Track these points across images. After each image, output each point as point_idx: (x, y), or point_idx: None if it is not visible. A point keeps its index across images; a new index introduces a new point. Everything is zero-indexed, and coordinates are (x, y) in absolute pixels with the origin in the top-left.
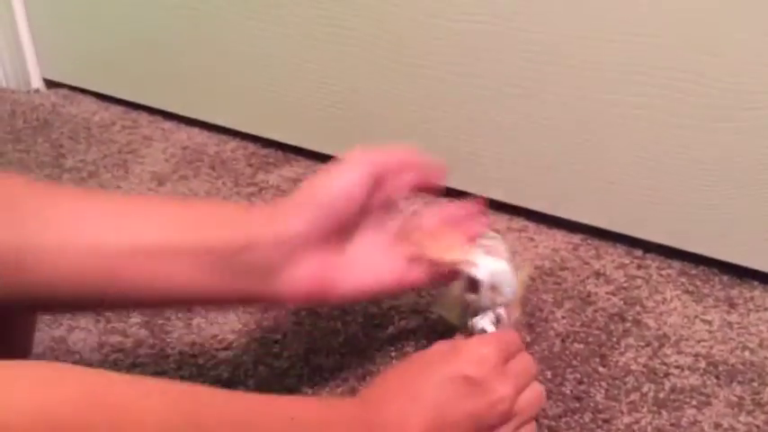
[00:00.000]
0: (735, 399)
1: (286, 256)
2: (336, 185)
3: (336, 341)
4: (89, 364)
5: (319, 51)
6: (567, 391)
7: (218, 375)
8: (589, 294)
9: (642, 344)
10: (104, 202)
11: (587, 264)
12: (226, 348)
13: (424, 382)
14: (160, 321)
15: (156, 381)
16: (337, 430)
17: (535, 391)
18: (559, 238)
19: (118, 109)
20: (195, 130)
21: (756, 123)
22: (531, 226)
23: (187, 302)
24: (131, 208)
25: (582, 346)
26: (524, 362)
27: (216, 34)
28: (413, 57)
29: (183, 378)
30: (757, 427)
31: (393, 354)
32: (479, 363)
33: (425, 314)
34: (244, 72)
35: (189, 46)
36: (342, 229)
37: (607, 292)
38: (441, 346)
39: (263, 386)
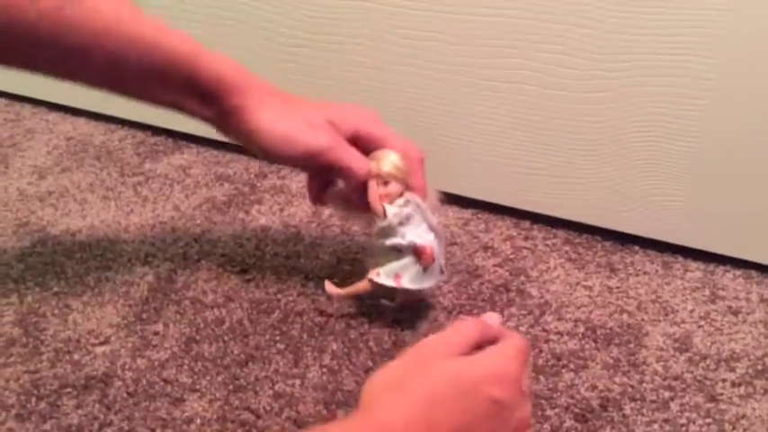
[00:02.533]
0: (611, 361)
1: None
2: None
3: (220, 329)
4: None
5: (217, 36)
6: None
7: (94, 371)
8: (477, 268)
9: (524, 312)
10: None
11: (476, 238)
12: (103, 343)
13: (448, 410)
14: (35, 319)
15: None
16: None
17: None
18: (451, 214)
19: None
20: (81, 121)
21: (624, 92)
22: None
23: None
24: None
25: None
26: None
27: None
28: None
29: (56, 376)
30: (632, 386)
31: (278, 338)
32: (508, 385)
33: (312, 297)
34: None
35: None
36: None
37: (494, 265)
38: (458, 367)
39: (141, 379)
